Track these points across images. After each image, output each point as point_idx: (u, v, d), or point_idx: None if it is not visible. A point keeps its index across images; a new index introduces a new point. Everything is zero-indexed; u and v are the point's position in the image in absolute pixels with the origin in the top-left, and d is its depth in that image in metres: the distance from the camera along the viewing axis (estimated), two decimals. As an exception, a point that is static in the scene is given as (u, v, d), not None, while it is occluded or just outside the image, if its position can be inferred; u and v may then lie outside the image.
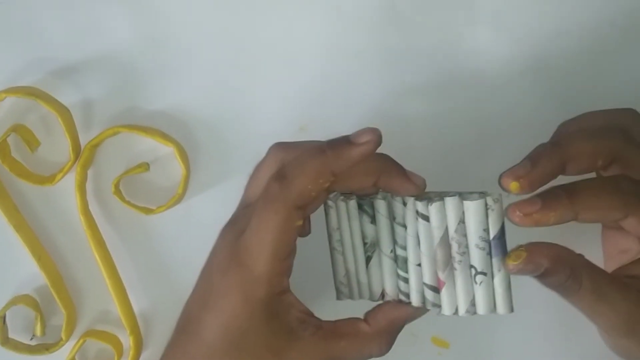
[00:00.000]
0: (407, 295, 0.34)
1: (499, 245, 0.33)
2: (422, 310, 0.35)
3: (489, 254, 0.33)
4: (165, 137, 0.42)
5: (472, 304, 0.33)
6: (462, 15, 0.42)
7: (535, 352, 0.44)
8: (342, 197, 0.36)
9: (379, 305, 0.35)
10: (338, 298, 0.37)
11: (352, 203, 0.35)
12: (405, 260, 0.34)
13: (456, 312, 0.33)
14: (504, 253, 0.33)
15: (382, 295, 0.35)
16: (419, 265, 0.34)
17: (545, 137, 0.37)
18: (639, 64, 0.43)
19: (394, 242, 0.35)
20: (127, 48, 0.43)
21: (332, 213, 0.36)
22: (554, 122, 0.42)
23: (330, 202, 0.36)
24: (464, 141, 0.43)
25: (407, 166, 0.35)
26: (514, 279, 0.34)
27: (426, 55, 0.43)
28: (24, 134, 0.42)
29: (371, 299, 0.36)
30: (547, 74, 0.43)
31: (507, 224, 0.33)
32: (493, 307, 0.33)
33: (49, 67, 0.43)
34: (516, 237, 0.34)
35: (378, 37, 0.43)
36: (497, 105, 0.43)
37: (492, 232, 0.32)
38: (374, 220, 0.35)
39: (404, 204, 0.34)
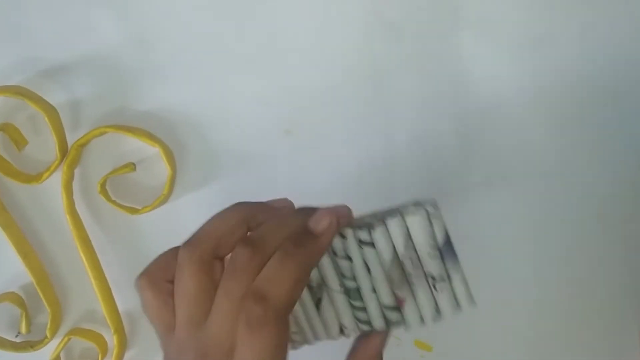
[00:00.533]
0: (368, 323, 0.33)
1: (448, 248, 0.32)
2: (388, 333, 0.34)
3: (442, 259, 0.32)
4: (151, 137, 0.43)
5: (437, 310, 0.33)
6: (447, 23, 0.42)
7: (515, 354, 0.44)
8: None
9: (351, 355, 0.34)
10: (292, 348, 0.34)
11: None
12: (358, 291, 0.33)
13: (422, 322, 0.33)
14: (455, 254, 0.32)
15: (341, 330, 0.34)
16: (374, 291, 0.33)
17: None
18: (624, 68, 0.43)
19: (341, 276, 0.33)
20: (114, 49, 0.43)
21: None
22: (538, 127, 0.43)
23: None
24: (449, 147, 0.43)
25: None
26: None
27: (411, 61, 0.43)
28: (12, 132, 0.42)
29: (330, 338, 0.34)
30: (533, 81, 0.43)
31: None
32: (456, 307, 0.33)
33: (37, 67, 0.43)
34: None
35: (364, 43, 0.43)
36: (482, 112, 0.43)
37: (440, 238, 0.32)
38: None
39: (343, 237, 0.33)
